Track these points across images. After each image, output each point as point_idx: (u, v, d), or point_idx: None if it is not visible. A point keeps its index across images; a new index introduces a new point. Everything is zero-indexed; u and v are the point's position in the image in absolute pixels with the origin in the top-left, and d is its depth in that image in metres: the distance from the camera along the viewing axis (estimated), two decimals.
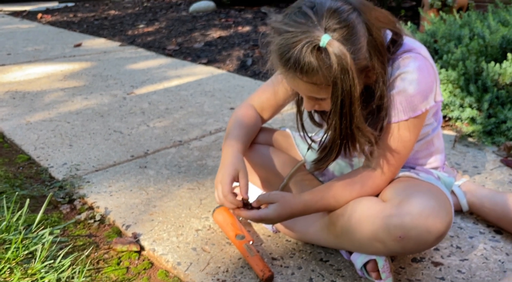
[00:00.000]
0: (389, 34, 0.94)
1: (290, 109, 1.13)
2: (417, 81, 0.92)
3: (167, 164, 1.60)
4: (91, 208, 1.34)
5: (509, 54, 1.91)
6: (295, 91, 1.08)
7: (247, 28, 4.01)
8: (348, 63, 0.79)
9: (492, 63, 1.88)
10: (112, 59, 3.23)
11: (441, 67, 2.01)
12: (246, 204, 1.02)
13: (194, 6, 5.00)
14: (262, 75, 2.78)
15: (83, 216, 1.29)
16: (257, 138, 1.23)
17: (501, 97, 1.79)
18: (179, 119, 2.04)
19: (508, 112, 1.72)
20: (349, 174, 1.03)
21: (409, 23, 2.52)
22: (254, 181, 1.24)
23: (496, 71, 1.85)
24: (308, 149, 1.18)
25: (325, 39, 0.79)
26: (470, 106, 1.82)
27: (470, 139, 1.76)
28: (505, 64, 1.86)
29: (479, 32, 2.15)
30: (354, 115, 0.86)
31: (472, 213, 1.25)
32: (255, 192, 1.24)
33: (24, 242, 1.13)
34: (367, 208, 0.92)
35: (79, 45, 3.67)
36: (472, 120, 1.80)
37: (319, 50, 0.80)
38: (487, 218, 1.20)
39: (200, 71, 2.88)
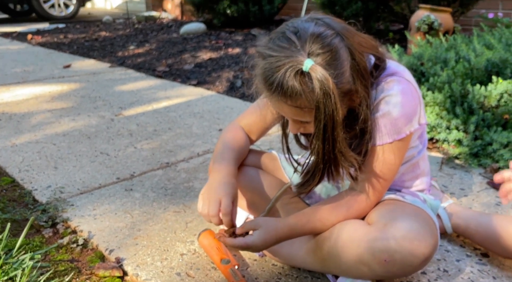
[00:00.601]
0: (372, 59, 0.95)
1: (278, 130, 1.13)
2: (401, 104, 0.93)
3: (154, 186, 1.58)
4: (74, 232, 1.31)
5: (494, 77, 1.94)
6: (280, 114, 1.08)
7: (237, 50, 4.05)
8: (330, 88, 0.80)
9: (478, 85, 1.91)
10: (101, 80, 3.23)
11: (428, 90, 2.03)
12: (232, 232, 1.01)
13: (185, 28, 5.04)
14: (251, 97, 2.78)
15: (65, 240, 1.26)
16: (245, 160, 1.22)
17: (487, 119, 1.81)
18: (167, 140, 2.03)
19: (494, 134, 1.74)
20: (335, 197, 1.02)
21: (396, 45, 2.55)
22: (241, 204, 1.22)
23: (482, 94, 1.87)
24: (294, 171, 1.18)
25: (308, 64, 0.80)
26: (457, 128, 1.84)
27: (457, 161, 1.76)
28: (490, 86, 1.89)
29: (465, 55, 2.19)
30: (337, 140, 0.86)
31: (459, 236, 1.24)
32: (241, 215, 1.23)
33: (4, 267, 1.10)
34: (353, 231, 0.92)
35: (68, 66, 3.67)
36: (459, 142, 1.81)
37: (302, 74, 0.81)
38: (473, 240, 1.19)
39: (190, 93, 2.89)
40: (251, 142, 1.21)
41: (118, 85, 3.07)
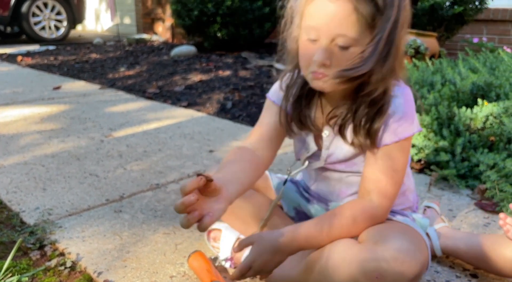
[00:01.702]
0: None
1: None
2: (404, 105, 0.96)
3: (143, 208, 1.57)
4: (62, 254, 1.29)
5: (479, 100, 1.98)
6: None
7: (227, 72, 4.09)
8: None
9: (464, 108, 1.95)
10: (91, 101, 3.23)
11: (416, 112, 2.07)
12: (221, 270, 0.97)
13: (176, 51, 5.09)
14: (242, 118, 2.81)
15: (53, 262, 1.24)
16: None
17: (473, 141, 1.84)
18: (157, 162, 2.02)
19: (481, 156, 1.76)
20: (346, 206, 1.00)
21: None
22: (232, 224, 1.22)
23: (468, 116, 1.91)
24: (285, 183, 1.19)
25: None
26: (444, 150, 1.86)
27: (444, 183, 1.78)
28: (476, 109, 1.93)
29: (451, 78, 2.24)
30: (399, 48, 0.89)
31: (448, 257, 1.25)
32: (232, 235, 1.22)
33: None
34: (343, 251, 0.92)
35: (58, 87, 3.67)
36: (446, 163, 1.83)
37: None
38: (463, 260, 1.20)
39: (180, 114, 2.90)
40: (265, 158, 1.09)
41: (108, 107, 3.07)
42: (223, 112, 2.97)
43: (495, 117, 1.92)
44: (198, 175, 0.79)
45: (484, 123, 1.91)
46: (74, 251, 1.28)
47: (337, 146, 1.05)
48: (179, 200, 0.76)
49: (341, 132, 1.01)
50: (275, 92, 1.13)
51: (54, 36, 7.32)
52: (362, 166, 1.04)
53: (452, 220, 1.48)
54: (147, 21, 7.69)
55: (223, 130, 2.53)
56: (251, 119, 2.77)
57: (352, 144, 1.00)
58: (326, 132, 1.06)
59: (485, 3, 4.17)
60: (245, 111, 2.95)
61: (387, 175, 0.97)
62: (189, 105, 3.14)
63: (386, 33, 0.86)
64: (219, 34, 4.99)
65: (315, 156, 1.10)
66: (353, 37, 0.86)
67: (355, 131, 0.98)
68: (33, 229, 1.41)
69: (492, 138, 1.89)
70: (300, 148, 1.13)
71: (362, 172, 1.03)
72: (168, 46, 6.04)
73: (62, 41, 7.32)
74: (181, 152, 2.15)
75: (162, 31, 7.29)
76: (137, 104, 3.18)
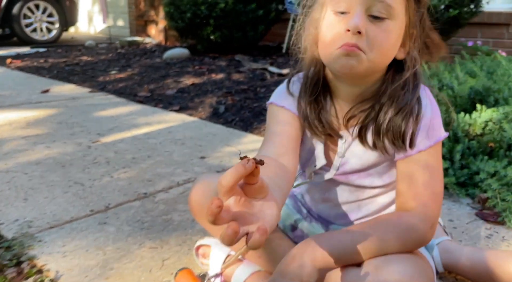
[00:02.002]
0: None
1: None
2: (431, 105, 0.89)
3: (129, 219, 1.50)
4: (40, 271, 1.21)
5: (478, 105, 1.93)
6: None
7: (220, 76, 4.01)
8: None
9: (462, 113, 1.89)
10: (80, 105, 3.15)
11: None
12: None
13: (168, 53, 5.02)
14: (235, 123, 2.74)
15: (30, 281, 1.16)
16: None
17: (473, 147, 1.78)
18: (146, 169, 1.95)
19: (480, 163, 1.70)
20: (383, 220, 0.89)
21: None
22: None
23: (466, 122, 1.85)
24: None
25: None
26: (443, 157, 1.80)
27: (444, 191, 1.72)
28: (474, 114, 1.87)
29: (448, 83, 2.18)
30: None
31: (451, 272, 1.18)
32: (221, 252, 1.15)
33: None
34: (343, 273, 0.84)
35: (46, 91, 3.59)
36: (446, 171, 1.77)
37: None
38: (466, 276, 1.14)
39: (171, 118, 2.82)
40: (290, 166, 0.90)
41: (97, 111, 2.99)
42: (215, 116, 2.90)
43: (494, 123, 1.86)
44: (243, 158, 0.55)
45: (483, 128, 1.85)
46: (54, 268, 1.21)
47: (354, 153, 0.95)
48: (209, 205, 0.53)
49: (361, 135, 0.92)
50: (282, 97, 0.99)
51: (45, 38, 7.22)
52: (377, 179, 0.96)
53: (453, 231, 1.42)
54: (140, 23, 7.61)
55: (215, 135, 2.46)
56: (244, 124, 2.70)
57: (375, 147, 0.90)
58: (342, 139, 0.96)
59: (480, 6, 4.13)
60: (238, 115, 2.88)
61: (427, 188, 0.87)
62: (180, 109, 3.07)
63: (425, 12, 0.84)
64: (212, 37, 4.92)
65: (324, 168, 1.01)
66: (391, 5, 0.81)
67: (380, 133, 0.88)
68: (11, 244, 1.33)
69: (491, 144, 1.83)
70: (307, 159, 1.02)
71: (376, 189, 0.95)
72: (161, 48, 5.96)
73: (54, 43, 7.22)
74: (171, 159, 2.08)
75: (155, 34, 7.21)
76: (127, 108, 3.10)
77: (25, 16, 6.91)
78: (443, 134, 0.90)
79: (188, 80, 3.90)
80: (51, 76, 4.36)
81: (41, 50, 6.34)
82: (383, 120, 0.87)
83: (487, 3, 4.13)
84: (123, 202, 1.63)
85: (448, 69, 2.60)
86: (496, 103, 2.04)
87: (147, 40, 6.86)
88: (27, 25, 6.97)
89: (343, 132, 0.96)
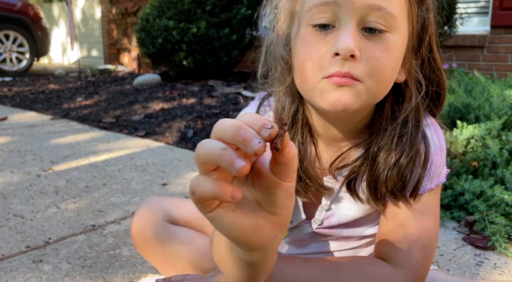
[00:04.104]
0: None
1: None
2: (439, 141, 0.71)
3: (70, 256, 1.29)
4: None
5: (458, 122, 1.80)
6: None
7: (192, 100, 3.86)
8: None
9: (442, 131, 1.76)
10: (37, 133, 2.93)
11: None
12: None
13: (138, 80, 4.85)
14: None
15: None
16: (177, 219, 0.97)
17: (456, 167, 1.64)
18: (99, 198, 1.75)
19: (465, 183, 1.56)
20: (356, 260, 0.73)
21: None
22: (168, 275, 0.96)
23: (448, 140, 1.72)
24: None
25: None
26: None
27: None
28: (455, 132, 1.74)
29: None
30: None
31: None
32: None
33: None
34: None
35: (4, 119, 3.36)
36: None
37: None
38: None
39: (135, 144, 2.63)
40: None
41: (55, 138, 2.78)
42: (183, 141, 2.72)
43: (477, 140, 1.73)
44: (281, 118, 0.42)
45: (466, 146, 1.73)
46: None
47: (341, 206, 0.76)
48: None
49: (351, 187, 0.72)
50: None
51: (15, 68, 6.98)
52: (370, 228, 0.79)
53: (440, 259, 1.26)
54: (112, 51, 7.46)
55: (180, 161, 2.28)
56: None
57: (368, 202, 0.71)
58: (326, 191, 0.74)
59: (455, 27, 4.12)
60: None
61: (419, 241, 0.68)
62: (146, 135, 2.88)
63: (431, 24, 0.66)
64: (185, 62, 4.79)
65: (304, 221, 0.81)
66: (392, 13, 0.59)
67: (377, 185, 0.68)
68: None
69: (474, 163, 1.69)
70: None
71: (367, 238, 0.78)
72: (133, 76, 5.80)
73: (24, 74, 6.98)
74: (129, 187, 1.88)
75: (128, 62, 7.07)
76: (88, 134, 2.90)
77: None
78: (445, 172, 0.73)
79: (157, 106, 3.73)
80: (12, 104, 4.14)
81: (7, 79, 6.11)
82: (382, 169, 0.67)
83: (461, 24, 4.12)
84: (66, 236, 1.42)
85: None
86: (476, 120, 1.93)
87: (120, 68, 6.71)
88: None
89: (327, 179, 0.75)
